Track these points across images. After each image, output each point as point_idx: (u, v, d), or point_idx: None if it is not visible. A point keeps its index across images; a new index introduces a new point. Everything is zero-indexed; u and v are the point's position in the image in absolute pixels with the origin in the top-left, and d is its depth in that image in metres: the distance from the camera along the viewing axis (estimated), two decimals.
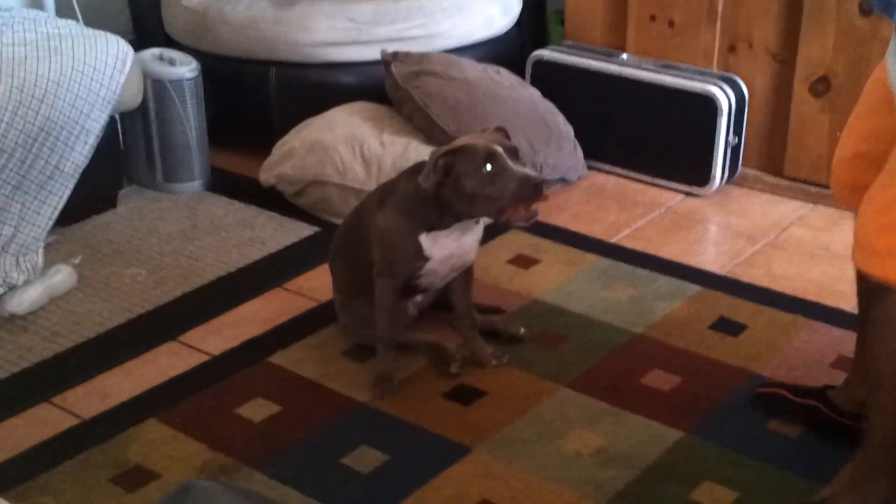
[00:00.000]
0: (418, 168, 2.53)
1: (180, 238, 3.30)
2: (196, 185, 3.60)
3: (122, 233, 3.33)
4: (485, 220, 2.60)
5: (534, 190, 2.34)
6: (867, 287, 2.07)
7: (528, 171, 2.37)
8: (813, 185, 3.53)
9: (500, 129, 2.52)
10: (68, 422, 2.49)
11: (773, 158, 3.63)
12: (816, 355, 2.69)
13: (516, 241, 3.24)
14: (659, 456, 2.35)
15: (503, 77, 3.62)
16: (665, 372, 2.63)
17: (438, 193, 2.41)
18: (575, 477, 2.29)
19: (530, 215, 2.40)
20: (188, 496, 1.42)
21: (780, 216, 3.44)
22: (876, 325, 2.00)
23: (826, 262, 3.15)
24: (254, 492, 1.93)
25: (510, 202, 2.36)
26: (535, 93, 3.66)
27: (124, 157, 3.58)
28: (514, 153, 2.39)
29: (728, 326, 2.82)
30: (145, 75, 3.44)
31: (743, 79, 3.54)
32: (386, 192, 2.59)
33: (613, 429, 2.44)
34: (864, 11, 3.28)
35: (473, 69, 3.57)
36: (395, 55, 3.52)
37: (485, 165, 2.35)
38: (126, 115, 3.52)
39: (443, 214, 2.46)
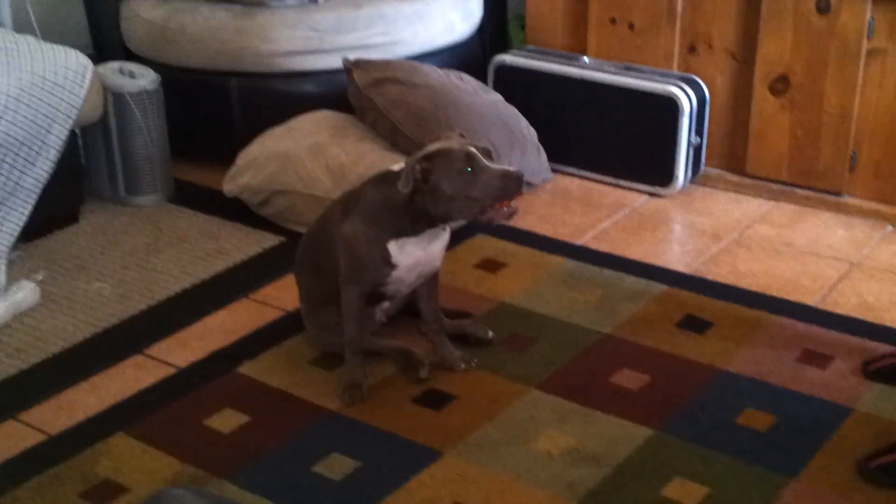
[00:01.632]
0: (385, 176, 2.53)
1: (144, 251, 3.28)
2: (158, 197, 3.58)
3: (85, 247, 3.31)
4: (452, 226, 2.60)
5: (515, 184, 2.35)
6: None
7: (506, 167, 2.39)
8: (774, 182, 3.56)
9: (460, 135, 2.53)
10: (35, 438, 2.46)
11: (735, 157, 3.65)
12: (782, 350, 2.71)
13: (483, 246, 3.24)
14: (629, 454, 2.36)
15: (466, 83, 3.63)
16: (633, 371, 2.64)
17: (412, 200, 2.41)
18: (547, 477, 2.29)
19: (511, 211, 2.41)
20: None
21: (743, 214, 3.46)
22: None
23: (789, 259, 3.18)
24: (225, 497, 1.92)
25: (493, 200, 2.37)
26: (497, 98, 3.67)
27: (86, 171, 3.56)
28: (487, 153, 2.40)
29: (694, 324, 2.83)
30: (105, 89, 3.42)
31: (703, 79, 3.57)
32: (351, 200, 2.59)
33: (584, 428, 2.44)
34: (822, 10, 3.31)
35: (436, 75, 3.57)
36: (357, 63, 3.52)
37: (464, 167, 2.35)
38: (87, 129, 3.49)
39: (416, 221, 2.46)
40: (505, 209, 2.40)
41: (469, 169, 2.36)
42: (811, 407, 2.50)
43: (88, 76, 3.26)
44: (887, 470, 2.26)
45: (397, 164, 2.55)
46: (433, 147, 2.43)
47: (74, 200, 3.47)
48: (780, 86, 3.46)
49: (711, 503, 2.22)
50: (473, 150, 2.37)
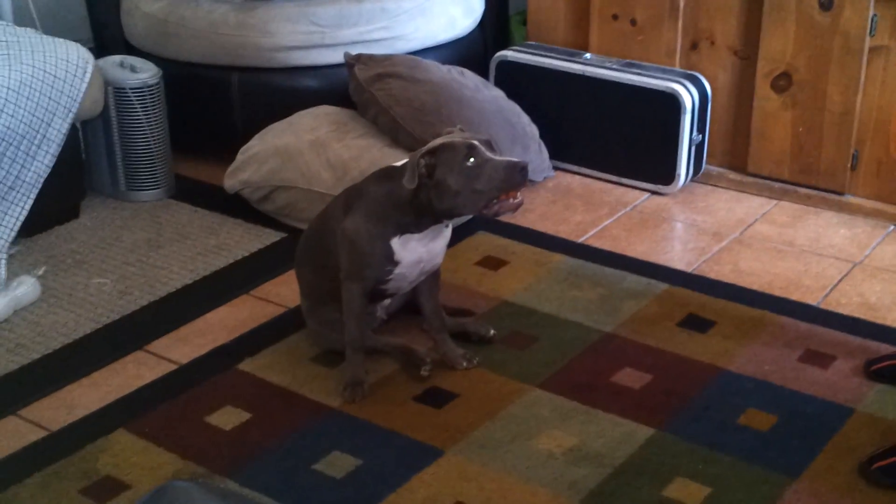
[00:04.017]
0: (387, 172, 2.52)
1: (145, 247, 3.27)
2: (159, 192, 3.57)
3: (86, 242, 3.30)
4: (454, 222, 2.59)
5: (520, 174, 2.34)
6: None
7: (510, 157, 2.37)
8: (776, 181, 3.55)
9: (461, 129, 2.52)
10: (36, 434, 2.46)
11: (737, 155, 3.65)
12: (784, 350, 2.71)
13: (484, 243, 3.24)
14: (631, 453, 2.36)
15: (467, 78, 3.62)
16: (635, 370, 2.64)
17: (416, 195, 2.40)
18: (548, 476, 2.29)
19: (518, 203, 2.40)
20: (164, 497, 1.41)
21: (744, 213, 3.46)
22: None
23: (791, 258, 3.18)
24: (231, 490, 1.92)
25: (498, 192, 2.35)
26: (499, 94, 3.66)
27: (86, 166, 3.55)
28: (489, 145, 2.39)
29: (696, 323, 2.83)
30: (106, 83, 3.41)
31: (706, 76, 3.56)
32: (352, 196, 2.58)
33: (585, 428, 2.44)
34: (824, 7, 3.31)
35: (437, 71, 3.56)
36: (359, 58, 3.51)
37: (467, 160, 2.35)
38: (87, 124, 3.49)
39: (420, 217, 2.45)
40: (511, 201, 2.38)
41: (473, 161, 2.35)
42: (813, 407, 2.50)
43: (89, 70, 3.25)
44: (889, 472, 2.25)
45: (400, 160, 2.55)
46: (436, 142, 2.43)
47: (75, 195, 3.46)
48: (782, 83, 3.45)
49: (713, 503, 2.22)
50: (476, 142, 2.37)
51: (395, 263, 2.51)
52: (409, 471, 2.31)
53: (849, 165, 3.42)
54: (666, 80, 3.50)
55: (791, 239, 3.29)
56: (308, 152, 3.32)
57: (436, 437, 2.42)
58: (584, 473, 2.30)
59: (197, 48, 3.68)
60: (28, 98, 3.06)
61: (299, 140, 3.35)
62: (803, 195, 3.51)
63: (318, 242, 2.68)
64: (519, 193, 2.39)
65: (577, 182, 3.67)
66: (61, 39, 3.29)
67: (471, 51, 3.96)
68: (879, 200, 3.41)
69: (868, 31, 3.27)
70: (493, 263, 3.14)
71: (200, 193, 3.58)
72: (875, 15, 3.25)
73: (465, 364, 2.66)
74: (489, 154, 2.36)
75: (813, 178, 3.49)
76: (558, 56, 3.71)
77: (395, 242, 2.49)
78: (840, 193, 3.46)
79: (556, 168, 3.71)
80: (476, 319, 2.84)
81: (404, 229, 2.47)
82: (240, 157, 3.44)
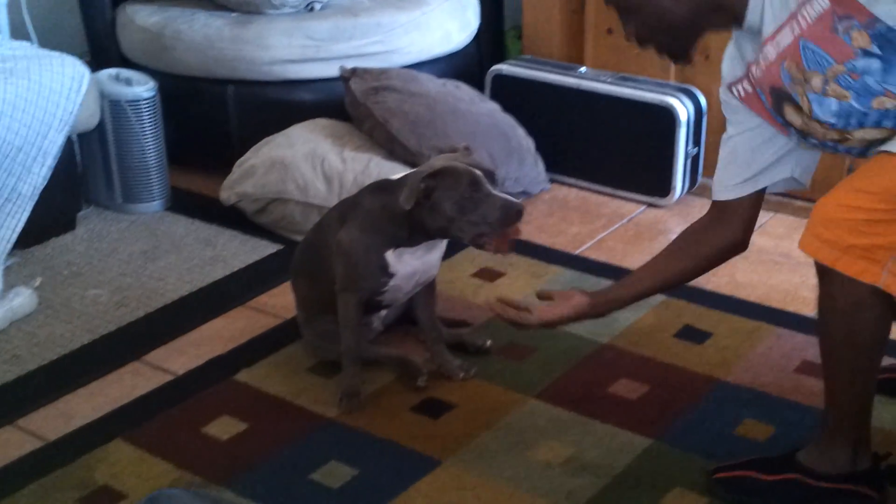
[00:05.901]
0: (382, 185, 2.52)
1: (141, 258, 3.27)
2: (156, 205, 3.58)
3: (83, 254, 3.30)
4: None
5: (515, 216, 2.35)
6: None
7: (509, 197, 2.37)
8: (772, 193, 3.54)
9: (466, 148, 2.52)
10: (33, 444, 2.45)
11: None
12: (781, 361, 2.71)
13: (481, 255, 3.23)
14: (629, 463, 2.36)
15: (463, 91, 3.63)
16: (632, 380, 2.64)
17: (412, 213, 2.40)
18: (546, 487, 2.29)
19: (510, 245, 2.41)
20: None
21: None
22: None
23: (788, 270, 3.18)
24: (225, 499, 1.91)
25: (490, 228, 2.36)
26: (494, 107, 3.67)
27: (82, 178, 3.55)
28: (491, 177, 2.39)
29: (693, 334, 2.83)
30: (102, 95, 3.42)
31: (700, 89, 3.57)
32: (348, 207, 2.58)
33: (582, 438, 2.44)
34: None
35: (433, 84, 3.57)
36: (354, 71, 3.52)
37: (467, 191, 2.35)
38: (83, 136, 3.49)
39: (413, 232, 2.45)
40: (503, 243, 2.39)
41: (473, 193, 2.35)
42: (810, 417, 2.49)
43: (85, 83, 3.24)
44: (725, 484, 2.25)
45: (396, 174, 2.55)
46: (439, 163, 2.42)
47: (71, 207, 3.46)
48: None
49: None
50: (479, 174, 2.36)
51: (390, 275, 2.51)
52: (407, 481, 2.31)
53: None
54: (661, 93, 3.52)
55: (787, 251, 3.29)
56: (304, 164, 3.32)
57: (433, 447, 2.42)
58: (581, 483, 2.30)
59: (193, 61, 3.68)
60: (24, 111, 3.06)
61: (295, 152, 3.36)
62: (799, 207, 3.51)
63: (313, 254, 2.68)
64: (510, 239, 2.39)
65: (574, 194, 3.68)
66: (57, 53, 3.29)
67: (466, 64, 3.98)
68: None
69: None
70: (489, 275, 3.14)
71: (197, 205, 3.58)
72: None
73: (461, 375, 2.65)
74: (490, 189, 2.36)
75: (809, 190, 3.49)
76: (553, 70, 3.72)
77: (390, 255, 2.49)
78: None
79: (552, 180, 3.71)
80: (473, 330, 2.84)
81: (399, 242, 2.48)
82: (236, 169, 3.44)
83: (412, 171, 2.55)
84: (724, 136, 2.30)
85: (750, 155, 2.24)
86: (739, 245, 2.33)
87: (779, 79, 2.03)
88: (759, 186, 2.28)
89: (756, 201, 2.30)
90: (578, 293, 2.39)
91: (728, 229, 2.31)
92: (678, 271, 2.37)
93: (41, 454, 2.42)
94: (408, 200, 2.36)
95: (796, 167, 2.28)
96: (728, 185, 2.29)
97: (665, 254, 2.39)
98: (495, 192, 2.37)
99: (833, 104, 1.99)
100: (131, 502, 2.24)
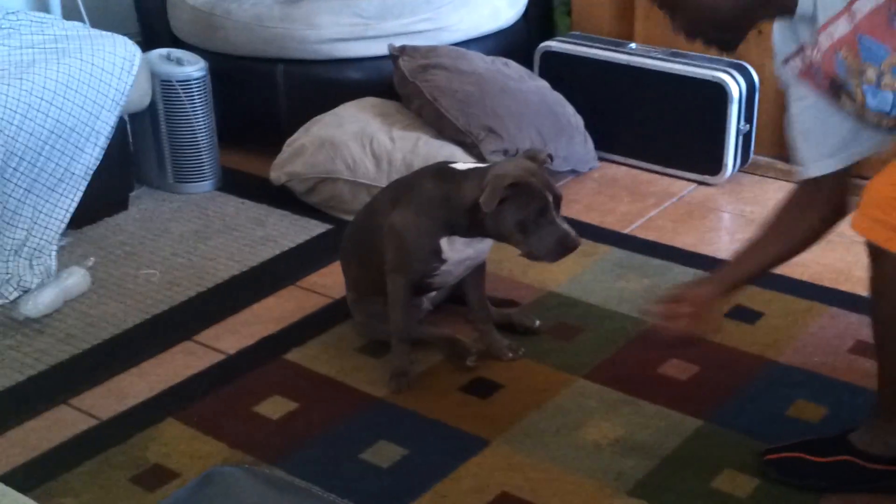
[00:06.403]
0: (444, 172, 2.49)
1: (193, 238, 3.30)
2: (207, 184, 3.60)
3: (135, 234, 3.33)
4: None
5: (568, 251, 2.38)
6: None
7: (568, 229, 2.38)
8: None
9: (549, 157, 2.50)
10: (86, 423, 2.49)
11: (785, 145, 3.58)
12: (834, 341, 2.68)
13: None
14: (678, 445, 2.34)
15: (511, 69, 3.61)
16: (682, 361, 2.62)
17: (476, 209, 2.38)
18: (594, 467, 2.29)
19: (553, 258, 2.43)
20: (212, 482, 1.41)
21: None
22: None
23: (842, 248, 3.13)
24: (277, 476, 1.93)
25: (538, 251, 2.38)
26: (543, 84, 3.65)
27: (134, 158, 3.58)
28: (558, 202, 2.39)
29: (744, 314, 2.80)
30: (153, 76, 3.44)
31: (752, 65, 3.53)
32: (402, 190, 2.57)
33: (631, 419, 2.43)
34: None
35: (482, 62, 3.56)
36: (403, 49, 3.52)
37: (533, 214, 2.35)
38: (135, 117, 3.51)
39: (471, 226, 2.45)
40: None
41: (538, 218, 2.35)
42: (863, 399, 2.46)
43: (137, 63, 3.28)
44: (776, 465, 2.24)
45: (460, 164, 2.55)
46: (519, 171, 2.37)
47: (124, 187, 3.49)
48: None
49: (762, 495, 2.20)
50: (551, 200, 2.36)
51: (442, 261, 2.51)
52: (455, 460, 2.32)
53: None
54: (712, 69, 3.48)
55: (841, 229, 3.23)
56: (353, 144, 3.32)
57: (481, 427, 2.42)
58: (630, 464, 2.29)
59: (242, 41, 3.70)
60: (76, 91, 3.10)
61: (344, 132, 3.36)
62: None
63: (363, 236, 2.68)
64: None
65: (623, 173, 3.65)
66: (109, 33, 3.32)
67: (515, 42, 3.95)
68: None
69: None
70: None
71: (247, 185, 3.60)
72: None
73: (510, 355, 2.65)
74: (555, 217, 2.37)
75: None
76: (603, 46, 3.69)
77: (444, 242, 2.48)
78: None
79: (601, 159, 3.69)
80: (521, 310, 2.83)
81: (455, 231, 2.47)
82: (286, 149, 3.45)
83: (484, 166, 2.53)
84: (790, 113, 2.22)
85: (823, 126, 2.13)
86: (840, 212, 2.23)
87: (833, 68, 2.00)
88: (853, 160, 2.17)
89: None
90: (693, 285, 2.31)
91: (824, 204, 2.22)
92: (780, 252, 2.28)
93: (94, 433, 2.45)
94: (489, 203, 2.34)
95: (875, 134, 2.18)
96: (814, 159, 2.17)
97: (764, 235, 2.28)
98: (559, 220, 2.37)
99: (889, 96, 1.95)
100: (183, 481, 2.27)
